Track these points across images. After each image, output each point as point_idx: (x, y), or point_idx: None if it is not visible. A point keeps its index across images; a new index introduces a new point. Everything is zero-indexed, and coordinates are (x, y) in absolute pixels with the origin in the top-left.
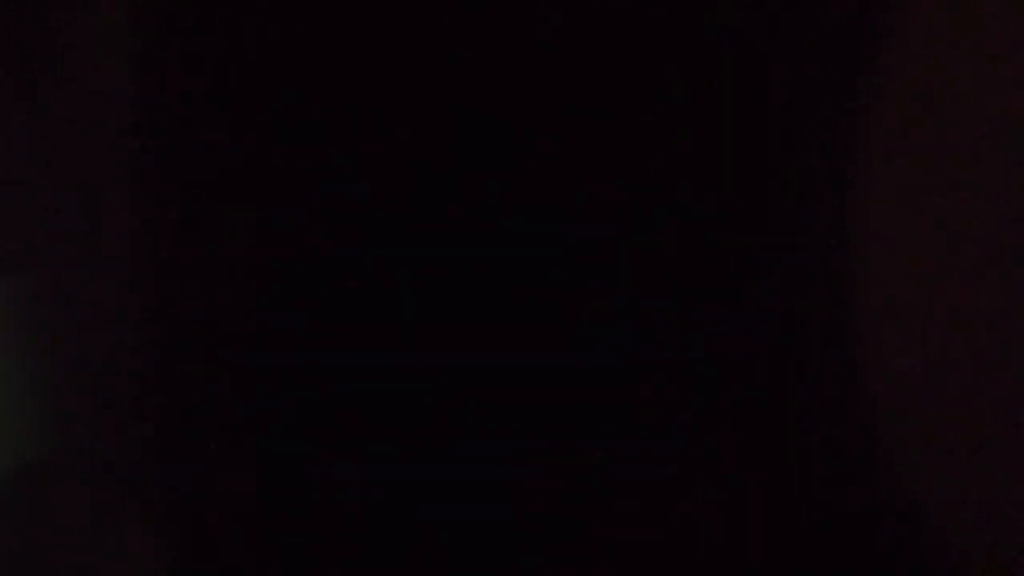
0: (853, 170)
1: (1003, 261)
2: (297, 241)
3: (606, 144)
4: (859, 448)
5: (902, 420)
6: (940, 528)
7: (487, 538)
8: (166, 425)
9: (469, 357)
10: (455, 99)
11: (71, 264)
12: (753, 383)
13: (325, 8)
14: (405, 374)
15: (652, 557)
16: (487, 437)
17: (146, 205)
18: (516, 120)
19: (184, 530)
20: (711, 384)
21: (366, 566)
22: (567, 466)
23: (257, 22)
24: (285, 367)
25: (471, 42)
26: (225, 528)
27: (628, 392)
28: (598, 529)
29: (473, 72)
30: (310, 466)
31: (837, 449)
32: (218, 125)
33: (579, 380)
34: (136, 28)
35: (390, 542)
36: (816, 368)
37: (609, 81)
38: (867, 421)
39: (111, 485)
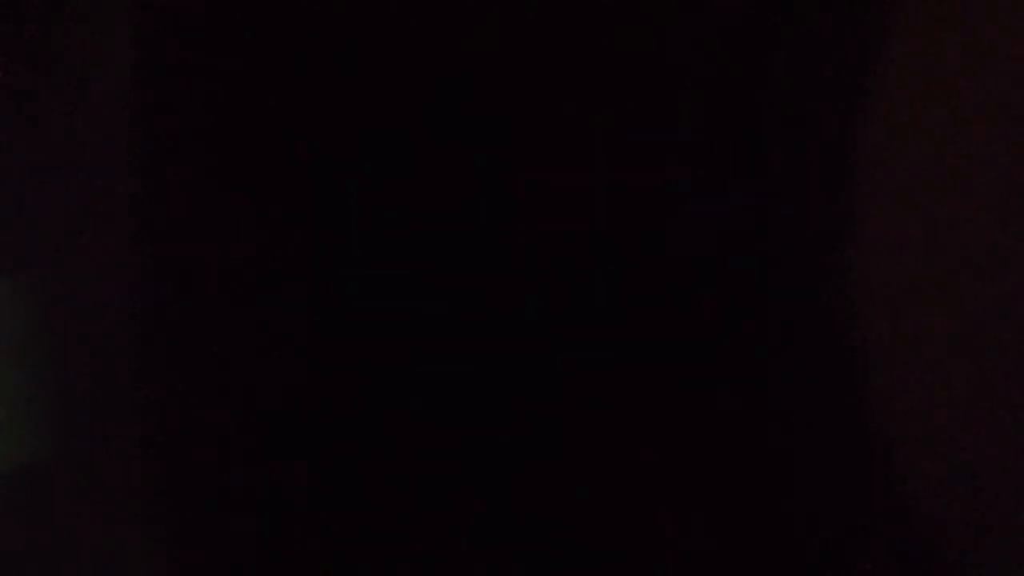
0: (853, 170)
1: (1003, 261)
2: (298, 240)
3: (605, 144)
4: (859, 448)
5: (901, 419)
6: (940, 528)
7: (486, 539)
8: (166, 425)
9: (468, 358)
10: (459, 101)
11: (71, 264)
12: (752, 383)
13: (324, 10)
14: (406, 372)
15: (650, 557)
16: (486, 439)
17: (146, 205)
18: (514, 120)
19: (184, 530)
20: (711, 384)
21: (366, 566)
22: (567, 468)
23: (257, 24)
24: (285, 366)
25: (476, 44)
26: (225, 528)
27: (628, 391)
28: (597, 528)
29: (476, 74)
30: (310, 466)
31: (836, 449)
32: (218, 126)
33: (579, 381)
34: (136, 29)
35: (390, 542)
36: (815, 368)
37: (609, 81)
38: (866, 420)
39: (111, 485)
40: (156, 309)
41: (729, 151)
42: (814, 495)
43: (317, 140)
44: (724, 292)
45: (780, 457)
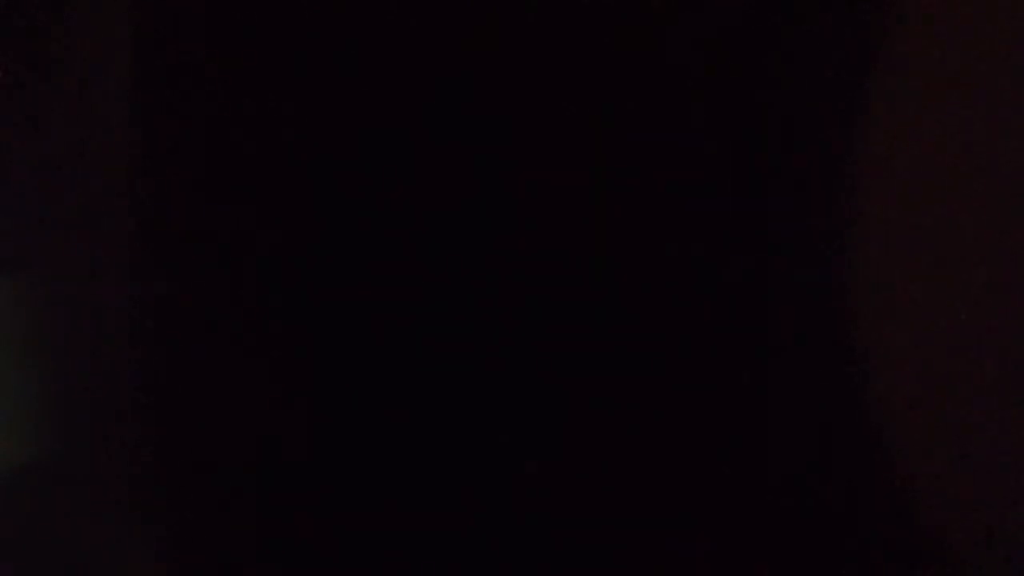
0: (852, 170)
1: (1002, 261)
2: (298, 240)
3: (605, 144)
4: (859, 449)
5: (901, 419)
6: (940, 528)
7: (486, 538)
8: (166, 426)
9: (468, 358)
10: (459, 101)
11: (71, 264)
12: (752, 383)
13: (324, 10)
14: (405, 372)
15: (650, 557)
16: (486, 439)
17: (146, 205)
18: (514, 120)
19: (184, 530)
20: (711, 384)
21: (366, 566)
22: (567, 468)
23: (257, 24)
24: (285, 366)
25: (475, 44)
26: (225, 528)
27: (627, 391)
28: (597, 528)
29: (476, 74)
30: (310, 465)
31: (836, 450)
32: (218, 126)
33: (579, 381)
34: (136, 29)
35: (390, 542)
36: (815, 368)
37: (609, 81)
38: (866, 420)
39: (111, 485)
40: (156, 309)
41: (729, 151)
42: (814, 495)
43: (317, 140)
44: (724, 292)
45: (780, 457)
